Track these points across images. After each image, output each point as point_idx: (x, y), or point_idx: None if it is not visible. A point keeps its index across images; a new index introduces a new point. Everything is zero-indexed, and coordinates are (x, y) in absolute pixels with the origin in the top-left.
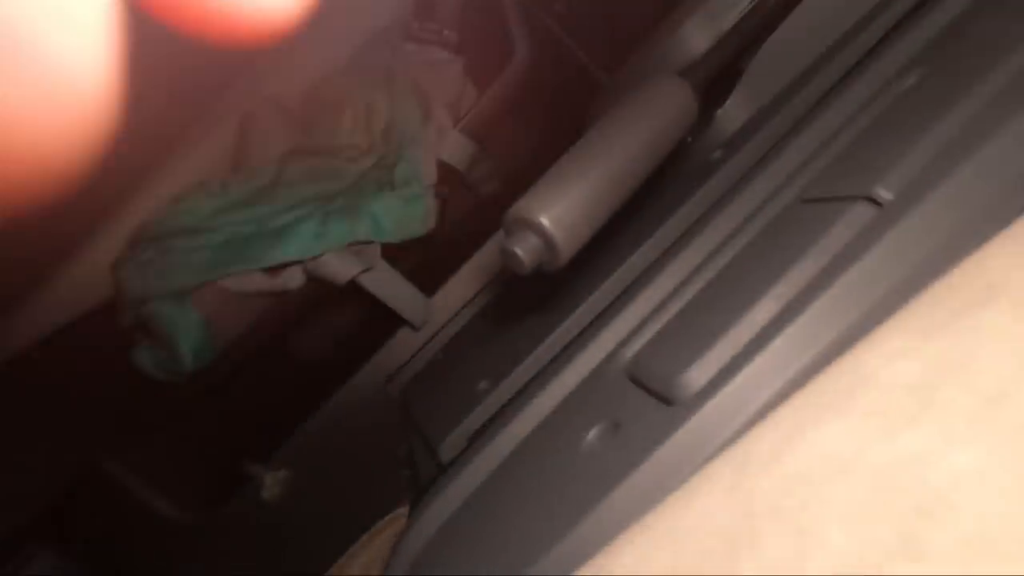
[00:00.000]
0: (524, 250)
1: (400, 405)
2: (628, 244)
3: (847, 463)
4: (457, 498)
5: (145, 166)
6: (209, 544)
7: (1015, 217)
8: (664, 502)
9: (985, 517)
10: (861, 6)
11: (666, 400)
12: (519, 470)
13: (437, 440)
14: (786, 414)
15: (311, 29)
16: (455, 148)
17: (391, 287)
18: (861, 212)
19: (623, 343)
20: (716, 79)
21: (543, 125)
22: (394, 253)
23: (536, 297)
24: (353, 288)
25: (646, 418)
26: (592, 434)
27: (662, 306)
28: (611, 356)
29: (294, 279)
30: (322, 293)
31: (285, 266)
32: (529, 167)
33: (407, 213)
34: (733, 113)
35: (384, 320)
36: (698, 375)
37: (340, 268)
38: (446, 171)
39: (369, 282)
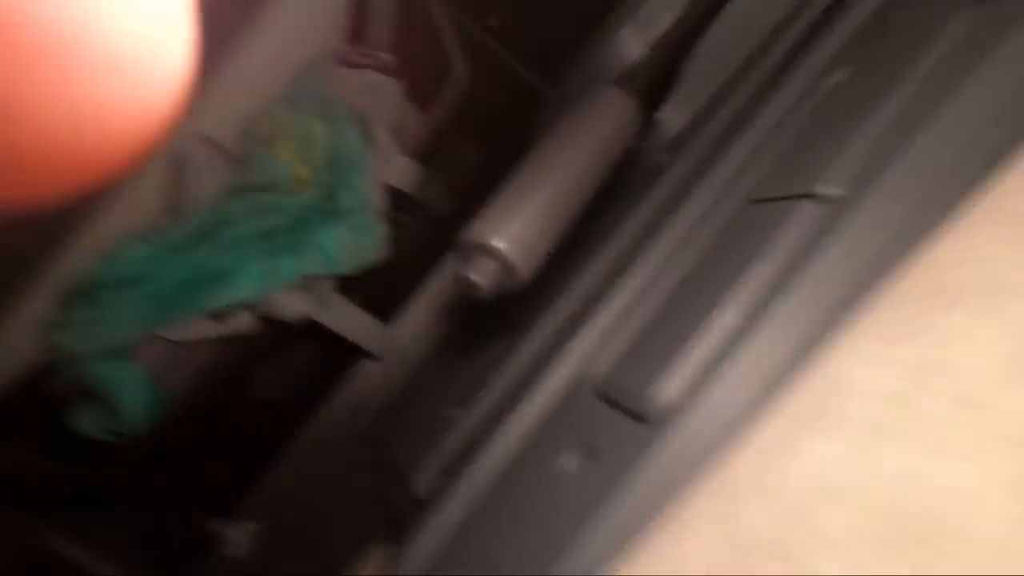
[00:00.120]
0: (481, 275)
1: (368, 439)
2: (584, 255)
3: (837, 488)
4: (438, 540)
5: (69, 218)
6: None
7: (959, 201)
8: (652, 537)
9: (990, 543)
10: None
11: (638, 417)
12: (500, 506)
13: (410, 474)
14: (767, 431)
15: (240, 63)
16: (401, 171)
17: (347, 320)
18: (810, 210)
19: (589, 360)
20: (655, 83)
21: (489, 139)
22: (348, 284)
23: (498, 316)
24: (308, 324)
25: (621, 439)
26: (569, 461)
27: (624, 319)
28: (578, 375)
29: (243, 322)
30: (276, 333)
31: (232, 309)
32: (480, 183)
33: (358, 242)
34: (676, 114)
35: (344, 354)
36: (668, 388)
37: (291, 306)
38: (395, 195)
39: (324, 317)
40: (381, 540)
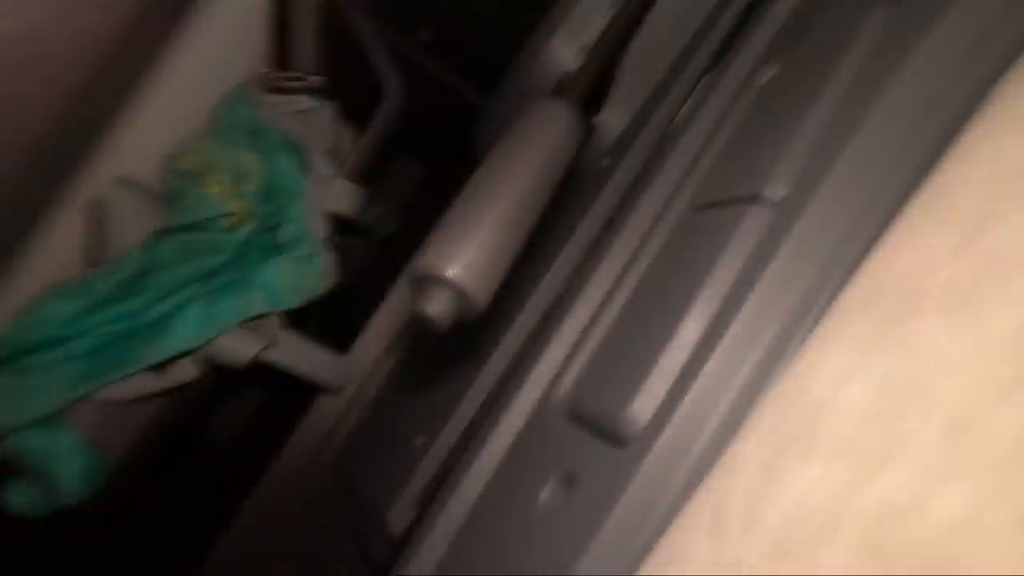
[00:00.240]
0: (437, 308)
1: (335, 475)
2: (538, 269)
3: (829, 519)
4: None
5: None
6: None
7: (904, 196)
8: None
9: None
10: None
11: (615, 440)
12: (479, 544)
13: (383, 509)
14: (748, 456)
15: (155, 95)
16: (342, 196)
17: (300, 356)
18: (757, 212)
19: (554, 380)
20: (592, 89)
21: (429, 154)
22: (298, 316)
23: (459, 336)
24: (259, 366)
25: (601, 466)
26: (546, 491)
27: (585, 335)
28: (545, 396)
29: (186, 372)
30: (224, 378)
31: (174, 360)
32: (424, 199)
33: (303, 274)
34: (614, 118)
35: (301, 391)
36: (642, 408)
37: (237, 349)
38: (338, 221)
39: (274, 356)
40: None
